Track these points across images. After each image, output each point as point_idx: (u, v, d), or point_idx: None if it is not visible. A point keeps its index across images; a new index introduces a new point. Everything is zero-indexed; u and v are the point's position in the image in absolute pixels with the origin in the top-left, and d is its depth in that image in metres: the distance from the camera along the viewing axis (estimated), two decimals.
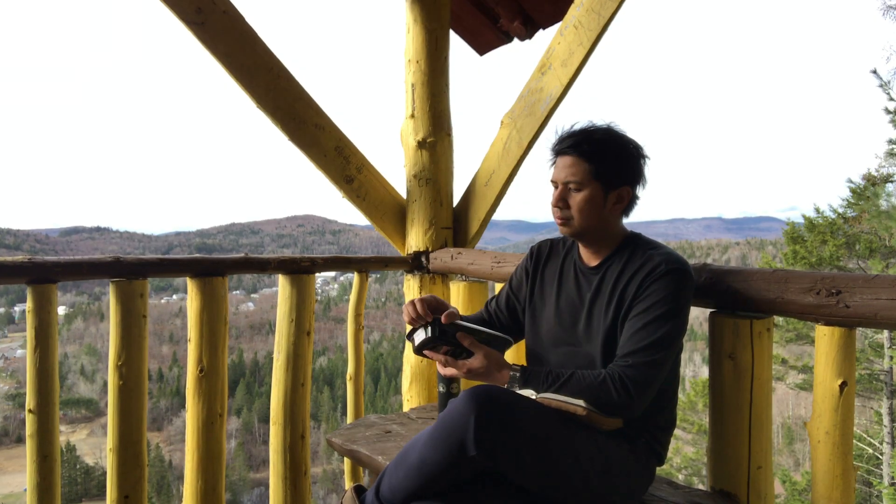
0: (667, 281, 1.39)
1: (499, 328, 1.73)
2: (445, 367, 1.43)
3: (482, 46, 3.19)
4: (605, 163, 1.45)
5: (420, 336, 1.41)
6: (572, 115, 1.57)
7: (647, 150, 1.51)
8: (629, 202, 1.51)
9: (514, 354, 2.17)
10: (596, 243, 1.54)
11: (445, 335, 1.40)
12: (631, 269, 1.45)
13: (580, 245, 1.60)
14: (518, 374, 1.39)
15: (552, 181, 1.53)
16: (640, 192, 1.53)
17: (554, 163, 1.53)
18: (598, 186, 1.46)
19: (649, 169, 1.52)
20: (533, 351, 1.68)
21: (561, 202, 1.49)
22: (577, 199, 1.47)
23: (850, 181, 12.07)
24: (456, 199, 2.79)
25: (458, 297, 2.60)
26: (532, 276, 1.70)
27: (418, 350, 1.45)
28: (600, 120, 1.52)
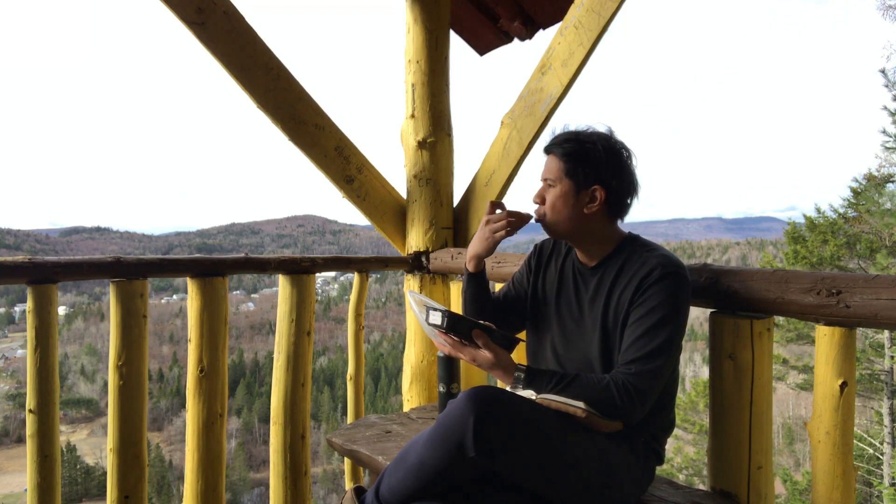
0: (663, 285, 1.39)
1: (494, 311, 1.74)
2: (454, 350, 1.44)
3: (482, 46, 3.19)
4: (575, 161, 1.48)
5: (434, 318, 1.41)
6: (572, 116, 1.57)
7: (627, 155, 1.50)
8: (608, 203, 1.49)
9: (515, 353, 2.17)
10: (584, 244, 1.55)
11: (455, 329, 1.40)
12: (628, 271, 1.45)
13: (574, 246, 1.60)
14: (523, 375, 1.40)
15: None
16: (622, 194, 1.50)
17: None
18: (570, 184, 1.48)
19: (637, 174, 1.52)
20: (533, 349, 1.68)
21: (538, 198, 1.55)
22: (550, 195, 1.51)
23: (857, 180, 12.12)
24: (456, 200, 2.79)
25: (458, 298, 2.60)
26: (535, 271, 1.71)
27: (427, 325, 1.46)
28: (600, 122, 1.54)
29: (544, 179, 1.54)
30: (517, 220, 1.58)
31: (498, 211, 1.61)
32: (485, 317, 1.65)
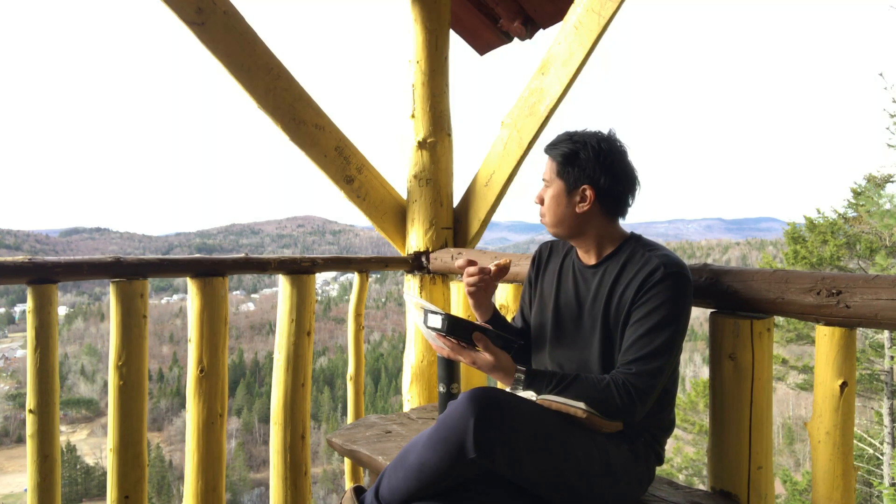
0: (665, 285, 1.39)
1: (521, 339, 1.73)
2: (454, 353, 1.43)
3: (482, 46, 3.19)
4: (565, 162, 1.51)
5: (433, 322, 1.41)
6: (573, 116, 1.58)
7: (620, 152, 1.49)
8: (601, 202, 1.48)
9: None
10: (583, 243, 1.56)
11: (455, 332, 1.40)
12: (629, 271, 1.45)
13: (574, 245, 1.61)
14: (523, 376, 1.39)
15: None
16: (616, 192, 1.49)
17: None
18: (561, 185, 1.52)
19: (635, 171, 1.51)
20: (533, 350, 1.68)
21: (538, 199, 1.59)
22: (547, 196, 1.55)
23: (856, 183, 12.16)
24: (456, 200, 2.79)
25: (458, 298, 2.60)
26: (535, 282, 1.72)
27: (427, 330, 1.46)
28: (601, 123, 1.54)
29: (543, 180, 1.57)
30: (493, 274, 1.60)
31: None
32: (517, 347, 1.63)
